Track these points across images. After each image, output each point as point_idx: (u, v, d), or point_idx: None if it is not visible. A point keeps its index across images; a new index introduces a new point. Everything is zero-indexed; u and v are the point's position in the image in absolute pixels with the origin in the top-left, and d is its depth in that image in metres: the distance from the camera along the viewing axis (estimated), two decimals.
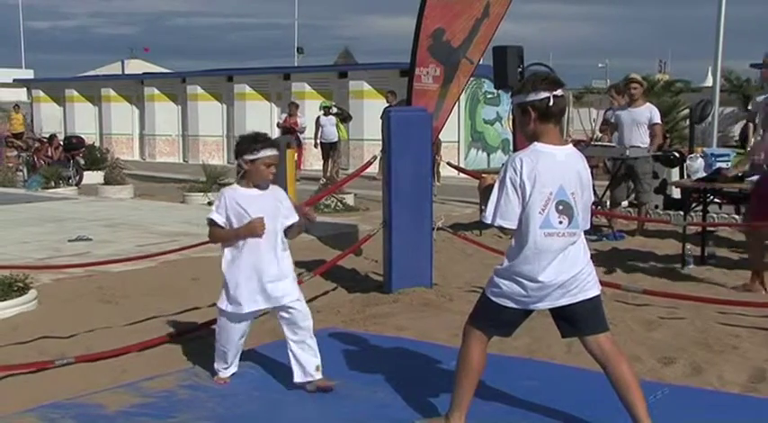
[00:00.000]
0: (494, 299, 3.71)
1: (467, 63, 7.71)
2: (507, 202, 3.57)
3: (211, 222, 4.49)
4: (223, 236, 4.50)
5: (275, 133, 20.81)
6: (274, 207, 4.47)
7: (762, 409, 4.31)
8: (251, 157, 4.39)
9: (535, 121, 3.61)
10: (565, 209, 3.59)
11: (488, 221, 3.64)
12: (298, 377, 4.52)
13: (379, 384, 4.60)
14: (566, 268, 3.61)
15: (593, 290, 3.73)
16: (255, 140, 4.45)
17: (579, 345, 5.24)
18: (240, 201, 4.43)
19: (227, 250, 4.50)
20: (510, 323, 3.79)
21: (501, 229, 3.65)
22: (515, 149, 14.09)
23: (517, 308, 3.69)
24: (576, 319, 3.73)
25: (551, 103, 3.58)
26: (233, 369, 4.70)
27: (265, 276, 4.42)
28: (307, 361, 4.50)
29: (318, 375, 4.51)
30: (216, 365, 4.70)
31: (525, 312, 3.73)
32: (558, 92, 3.62)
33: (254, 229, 4.36)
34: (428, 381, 4.60)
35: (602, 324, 3.77)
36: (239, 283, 4.44)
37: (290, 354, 4.52)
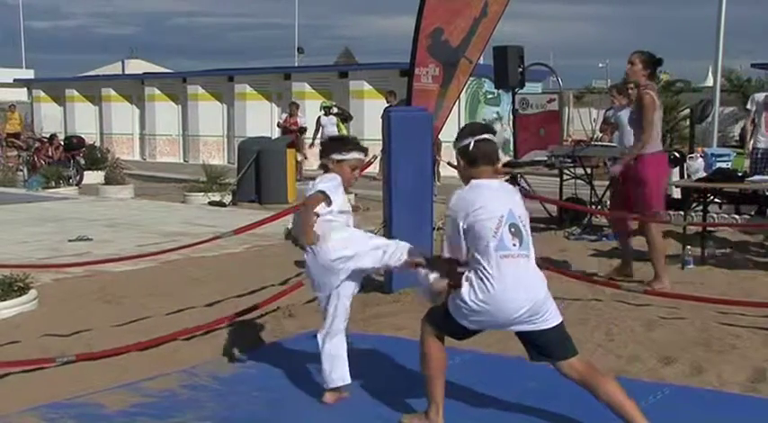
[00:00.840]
0: (452, 313, 3.82)
1: (466, 62, 7.70)
2: (456, 244, 3.78)
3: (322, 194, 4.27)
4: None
5: (275, 133, 20.83)
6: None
7: (762, 409, 4.31)
8: (339, 157, 4.38)
9: (465, 167, 3.88)
10: (516, 231, 3.75)
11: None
12: None
13: (379, 384, 4.60)
14: (525, 297, 3.71)
15: (554, 319, 3.81)
16: (347, 142, 4.52)
17: (579, 346, 5.23)
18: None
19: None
20: (465, 335, 3.94)
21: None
22: (515, 149, 14.14)
23: (475, 328, 3.85)
24: (544, 346, 3.82)
25: (471, 148, 3.83)
26: None
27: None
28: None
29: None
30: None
31: (482, 330, 3.90)
32: (483, 136, 3.86)
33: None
34: None
35: (571, 349, 3.85)
36: None
37: None
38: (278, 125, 21.01)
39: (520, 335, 3.85)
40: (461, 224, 3.73)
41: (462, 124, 23.18)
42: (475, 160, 3.85)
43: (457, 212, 3.76)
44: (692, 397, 4.47)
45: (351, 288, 4.37)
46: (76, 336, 5.61)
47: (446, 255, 3.85)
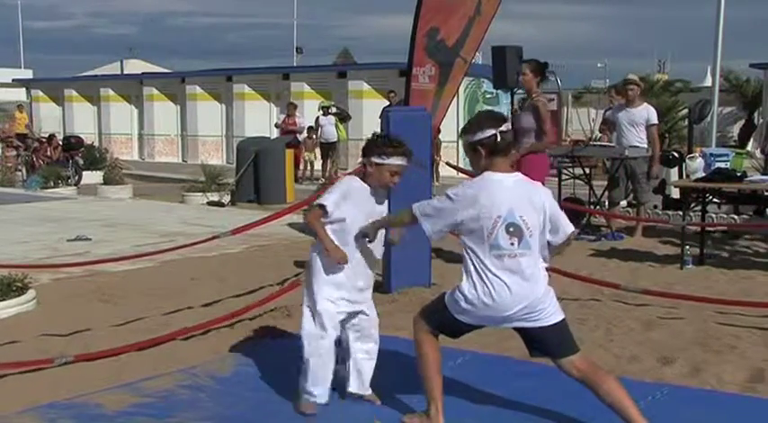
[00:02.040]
0: (449, 309, 3.82)
1: (461, 62, 7.70)
2: (438, 216, 3.76)
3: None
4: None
5: (274, 133, 20.84)
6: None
7: (761, 409, 4.31)
8: (379, 160, 4.17)
9: (486, 158, 3.79)
10: (515, 231, 3.71)
11: (415, 212, 3.83)
12: (354, 387, 4.37)
13: (378, 384, 4.60)
14: (522, 294, 3.70)
15: (555, 316, 3.79)
16: (390, 145, 4.22)
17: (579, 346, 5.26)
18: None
19: None
20: (460, 332, 3.93)
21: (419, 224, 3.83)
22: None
23: (471, 323, 3.83)
24: (543, 343, 3.81)
25: (499, 140, 3.76)
26: None
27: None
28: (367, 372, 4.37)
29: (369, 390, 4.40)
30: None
31: (478, 326, 3.87)
32: (504, 127, 3.80)
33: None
34: None
35: (572, 347, 3.84)
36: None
37: (352, 363, 4.34)
38: (276, 126, 21.01)
39: (519, 331, 3.85)
40: (457, 215, 3.71)
41: (461, 124, 23.21)
42: (498, 151, 3.78)
43: (459, 202, 3.72)
44: (691, 397, 4.47)
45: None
46: (75, 336, 5.61)
47: (417, 212, 3.81)
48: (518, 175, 3.85)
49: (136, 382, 4.66)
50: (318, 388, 4.17)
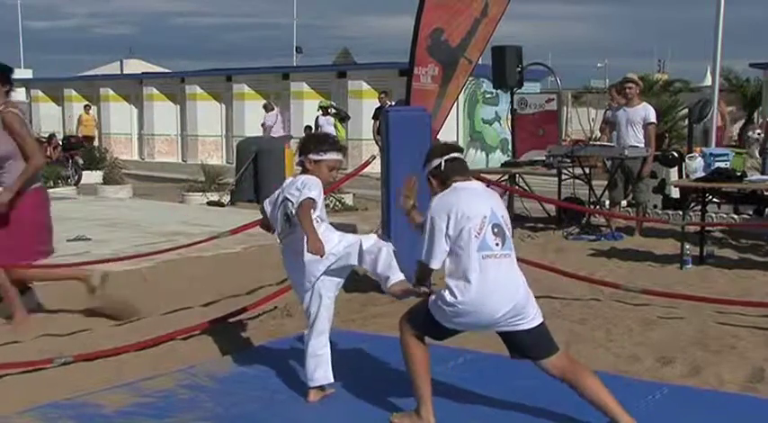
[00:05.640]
0: (433, 314, 3.84)
1: (465, 62, 7.69)
2: (437, 246, 3.78)
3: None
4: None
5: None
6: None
7: (760, 409, 4.31)
8: (316, 157, 4.32)
9: (438, 186, 3.93)
10: (499, 231, 3.77)
11: (426, 262, 3.84)
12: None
13: (377, 384, 4.60)
14: (506, 297, 3.73)
15: (536, 319, 3.83)
16: (324, 142, 4.40)
17: (578, 345, 5.27)
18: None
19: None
20: (444, 335, 3.97)
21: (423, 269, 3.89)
22: (514, 149, 14.15)
23: (456, 329, 3.87)
24: (524, 346, 3.86)
25: (443, 168, 3.90)
26: None
27: None
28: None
29: None
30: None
31: (463, 330, 3.92)
32: (451, 155, 3.93)
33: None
34: None
35: (552, 347, 3.88)
36: None
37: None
38: (262, 125, 21.02)
39: (501, 335, 3.89)
40: (445, 227, 3.74)
41: (461, 124, 23.28)
42: (447, 179, 3.90)
43: (440, 215, 3.77)
44: (691, 397, 4.47)
45: (331, 288, 4.35)
46: (74, 336, 5.60)
47: (424, 259, 3.83)
48: (479, 183, 4.04)
49: (135, 381, 4.67)
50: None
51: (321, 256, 4.11)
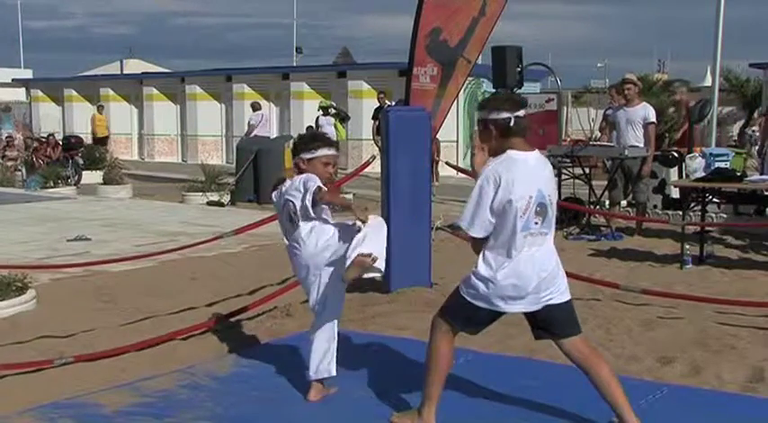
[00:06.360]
0: (469, 299, 3.80)
1: (464, 62, 7.68)
2: (480, 215, 3.71)
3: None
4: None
5: (274, 133, 20.84)
6: None
7: (760, 409, 4.31)
8: (308, 155, 4.35)
9: (496, 139, 3.79)
10: (541, 210, 3.75)
11: (464, 226, 3.76)
12: None
13: (377, 384, 4.61)
14: (539, 272, 3.73)
15: (566, 294, 3.84)
16: (314, 139, 4.48)
17: None
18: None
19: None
20: (481, 323, 3.91)
21: (472, 238, 3.79)
22: None
23: (491, 309, 3.80)
24: (550, 323, 3.84)
25: (512, 124, 3.76)
26: None
27: None
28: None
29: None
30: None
31: (498, 314, 3.85)
32: (520, 113, 3.79)
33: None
34: None
35: (576, 327, 3.88)
36: None
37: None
38: (248, 123, 20.97)
39: (527, 313, 3.84)
40: (490, 200, 3.67)
41: (461, 124, 23.24)
42: (510, 135, 3.77)
43: (489, 184, 3.68)
44: (691, 397, 4.47)
45: (336, 279, 4.34)
46: (75, 336, 5.61)
47: (465, 225, 3.74)
48: (537, 152, 3.86)
49: (135, 381, 4.67)
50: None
51: (359, 215, 4.18)
